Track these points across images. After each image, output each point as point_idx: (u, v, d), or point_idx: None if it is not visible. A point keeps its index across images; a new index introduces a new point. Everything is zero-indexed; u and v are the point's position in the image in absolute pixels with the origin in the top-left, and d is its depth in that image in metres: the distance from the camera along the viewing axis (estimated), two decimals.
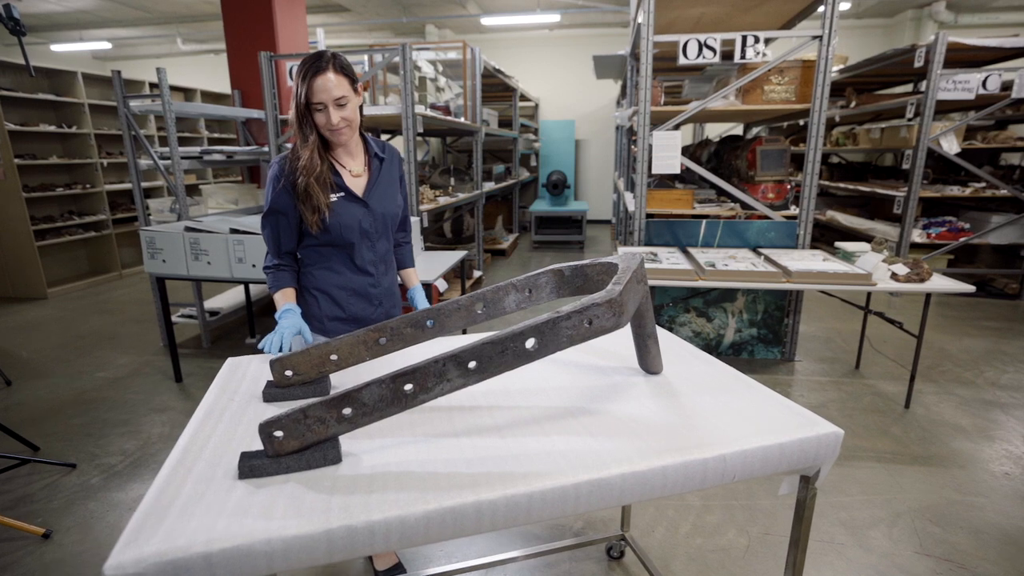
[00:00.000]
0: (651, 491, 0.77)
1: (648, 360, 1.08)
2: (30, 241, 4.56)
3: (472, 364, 0.83)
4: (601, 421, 0.90)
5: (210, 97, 6.72)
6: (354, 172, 1.42)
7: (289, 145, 1.50)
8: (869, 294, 2.96)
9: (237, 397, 1.02)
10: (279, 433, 0.78)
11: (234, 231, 2.67)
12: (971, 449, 2.23)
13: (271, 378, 1.06)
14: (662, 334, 1.30)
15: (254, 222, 2.91)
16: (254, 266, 2.67)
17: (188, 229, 2.73)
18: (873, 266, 2.47)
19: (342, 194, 1.38)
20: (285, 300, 1.41)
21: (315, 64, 1.26)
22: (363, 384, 0.79)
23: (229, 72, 4.20)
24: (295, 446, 0.79)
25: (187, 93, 6.41)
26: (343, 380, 1.08)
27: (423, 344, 1.22)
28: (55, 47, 8.30)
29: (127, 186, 5.61)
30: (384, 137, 4.97)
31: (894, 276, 2.46)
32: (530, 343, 0.84)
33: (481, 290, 1.09)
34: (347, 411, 0.80)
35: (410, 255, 1.68)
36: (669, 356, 1.17)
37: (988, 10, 7.33)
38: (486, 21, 7.32)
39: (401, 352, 1.18)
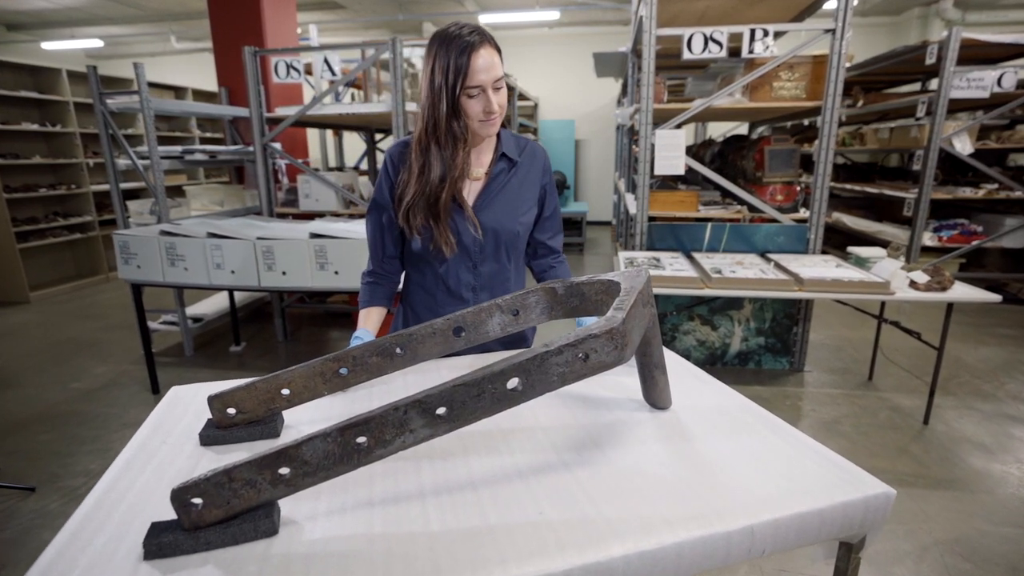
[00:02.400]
0: (661, 575, 0.62)
1: (655, 394, 0.93)
2: (11, 243, 4.41)
3: (441, 411, 0.68)
4: (600, 476, 0.75)
5: (202, 96, 6.57)
6: (473, 175, 1.17)
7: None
8: (883, 302, 2.81)
9: (171, 439, 0.87)
10: (198, 501, 0.62)
11: (212, 235, 2.52)
12: (999, 472, 2.07)
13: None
14: (668, 357, 1.15)
15: (234, 226, 2.76)
16: (232, 272, 2.52)
17: (164, 233, 2.58)
18: (891, 274, 2.32)
19: None
20: (365, 323, 1.19)
21: (470, 37, 1.02)
22: (304, 438, 0.64)
23: (216, 69, 4.05)
24: (218, 516, 0.64)
25: (178, 91, 6.26)
26: (299, 417, 0.93)
27: (392, 376, 1.06)
28: (46, 45, 8.15)
29: (125, 185, 5.44)
30: (378, 137, 4.81)
31: (913, 284, 2.31)
32: (513, 384, 0.69)
33: (460, 312, 0.94)
34: (284, 471, 0.64)
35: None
36: (677, 384, 1.02)
37: (996, 8, 7.17)
38: (484, 19, 7.16)
39: (366, 385, 1.03)
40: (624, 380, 1.04)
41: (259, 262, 2.48)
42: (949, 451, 2.22)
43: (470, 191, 1.17)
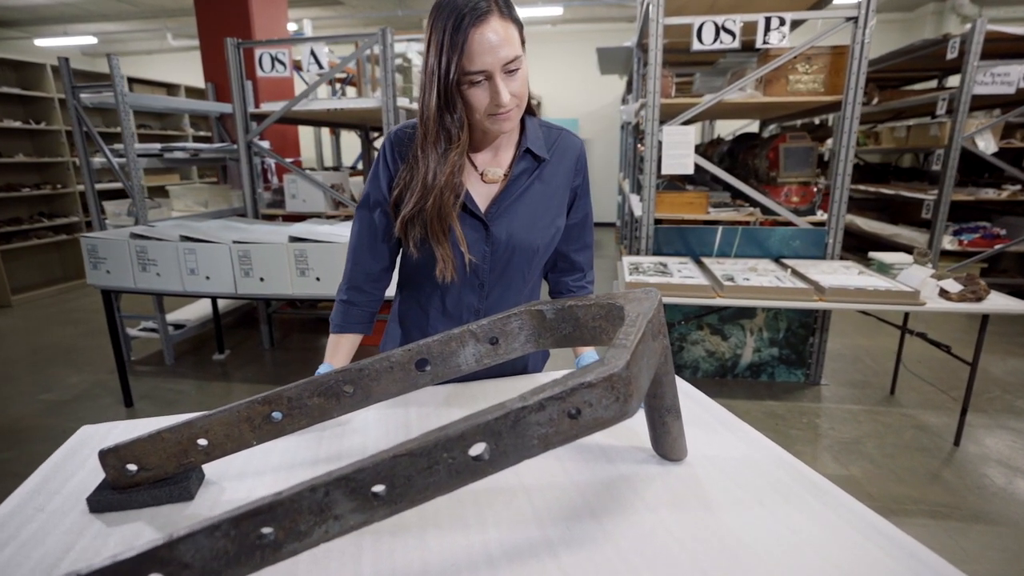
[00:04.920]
0: None
1: (667, 443, 0.74)
2: None
3: (378, 489, 0.50)
4: (594, 562, 0.57)
5: (195, 93, 6.41)
6: (488, 176, 0.94)
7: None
8: (907, 312, 2.61)
9: (53, 502, 0.69)
10: None
11: (185, 238, 2.35)
12: None
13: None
14: (682, 391, 0.96)
15: (211, 228, 2.59)
16: (208, 278, 2.35)
17: (134, 236, 2.41)
18: (920, 282, 2.12)
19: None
20: (334, 355, 0.99)
21: (472, 8, 0.78)
22: (183, 533, 0.46)
23: (202, 64, 3.89)
24: None
25: (170, 88, 6.11)
26: (224, 470, 0.75)
27: (337, 421, 0.88)
28: (39, 42, 8.02)
29: (109, 186, 5.29)
30: (373, 135, 4.63)
31: (944, 294, 2.12)
32: (477, 451, 0.51)
33: (426, 340, 0.76)
34: None
35: None
36: (694, 427, 0.84)
37: (1013, 3, 6.94)
38: None
39: (304, 433, 0.85)
40: (628, 422, 0.86)
41: (235, 267, 2.31)
42: (985, 477, 2.02)
43: (481, 195, 0.95)
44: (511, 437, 0.52)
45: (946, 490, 1.95)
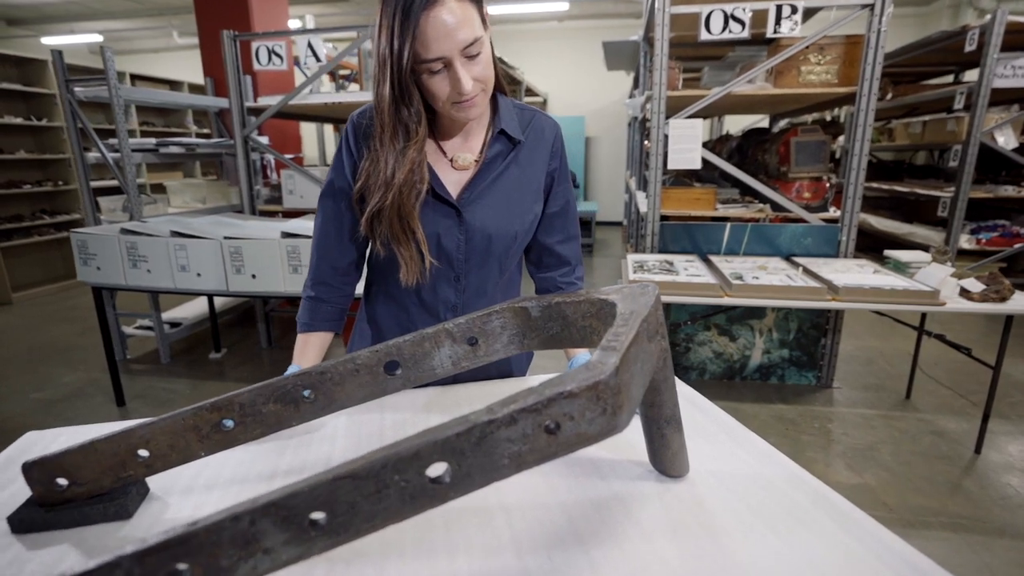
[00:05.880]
0: None
1: (666, 457, 0.66)
2: None
3: (317, 517, 0.42)
4: None
5: (199, 90, 6.38)
6: (459, 162, 0.87)
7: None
8: (925, 313, 2.50)
9: None
10: None
11: (176, 234, 2.29)
12: None
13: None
14: (683, 395, 0.88)
15: (203, 224, 2.52)
16: (199, 275, 2.28)
17: (124, 231, 2.35)
18: (939, 281, 2.02)
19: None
20: (302, 356, 0.91)
21: None
22: (79, 573, 0.38)
23: (201, 58, 3.84)
24: None
25: (173, 85, 6.08)
26: (171, 483, 0.68)
27: (307, 427, 0.81)
28: (45, 40, 8.03)
29: (111, 183, 5.27)
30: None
31: (965, 294, 2.01)
32: (436, 471, 0.43)
33: (396, 340, 0.68)
34: None
35: None
36: (697, 436, 0.75)
37: None
38: (491, 10, 6.86)
39: (265, 442, 0.77)
40: (624, 433, 0.77)
41: (227, 264, 2.24)
42: (1009, 487, 1.91)
43: (453, 181, 0.88)
44: (476, 456, 0.44)
45: (968, 501, 1.84)
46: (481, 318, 0.69)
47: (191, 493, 0.66)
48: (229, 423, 0.65)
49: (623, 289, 0.63)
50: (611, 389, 0.44)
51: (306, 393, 0.66)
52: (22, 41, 8.23)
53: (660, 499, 0.63)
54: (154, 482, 0.67)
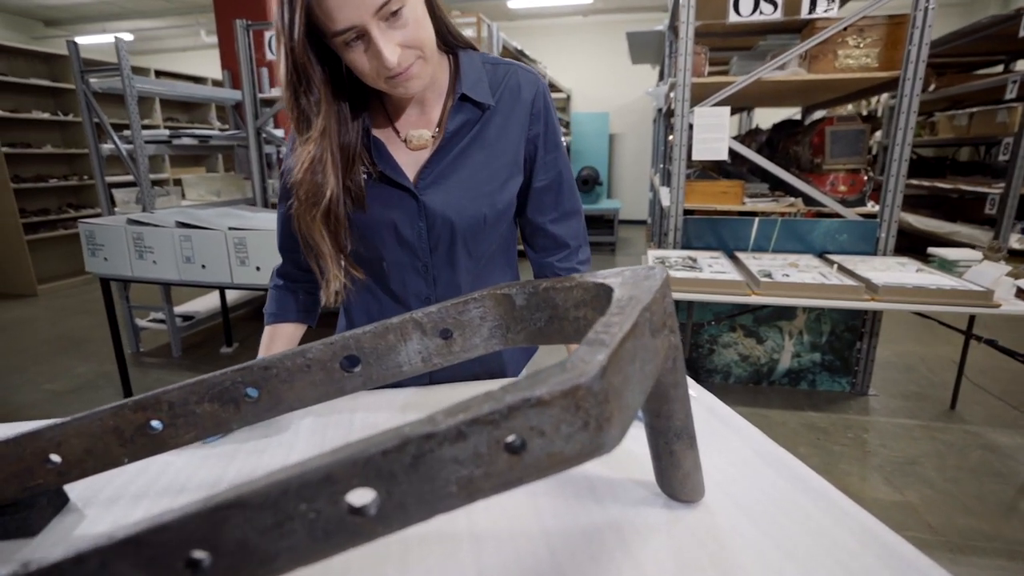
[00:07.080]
0: None
1: (676, 479, 0.54)
2: (19, 235, 4.30)
3: (200, 557, 0.32)
4: None
5: (220, 86, 6.44)
6: (414, 139, 0.76)
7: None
8: (973, 316, 2.30)
9: None
10: None
11: (181, 224, 2.24)
12: None
13: None
14: (697, 399, 0.76)
15: (210, 215, 2.48)
16: (204, 267, 2.23)
17: (131, 222, 2.31)
18: (993, 280, 1.84)
19: (366, 174, 0.75)
20: (271, 348, 0.84)
21: None
22: None
23: (219, 51, 3.83)
24: None
25: (197, 80, 6.14)
26: (91, 496, 0.59)
27: (252, 432, 0.71)
28: (79, 39, 8.22)
29: (130, 177, 5.33)
30: None
31: (1022, 295, 1.83)
32: (361, 500, 0.33)
33: (354, 332, 0.58)
34: None
35: None
36: (711, 447, 0.63)
37: None
38: (513, 4, 6.80)
39: (217, 445, 0.68)
40: (628, 445, 0.65)
41: (231, 255, 2.19)
42: None
43: (409, 161, 0.76)
44: (412, 481, 0.33)
45: None
46: (456, 306, 0.58)
47: (115, 504, 0.57)
48: (157, 425, 0.55)
49: (624, 272, 0.51)
50: (595, 396, 0.33)
51: (250, 392, 0.57)
52: (57, 41, 8.45)
53: (667, 531, 0.51)
54: (77, 490, 0.58)
